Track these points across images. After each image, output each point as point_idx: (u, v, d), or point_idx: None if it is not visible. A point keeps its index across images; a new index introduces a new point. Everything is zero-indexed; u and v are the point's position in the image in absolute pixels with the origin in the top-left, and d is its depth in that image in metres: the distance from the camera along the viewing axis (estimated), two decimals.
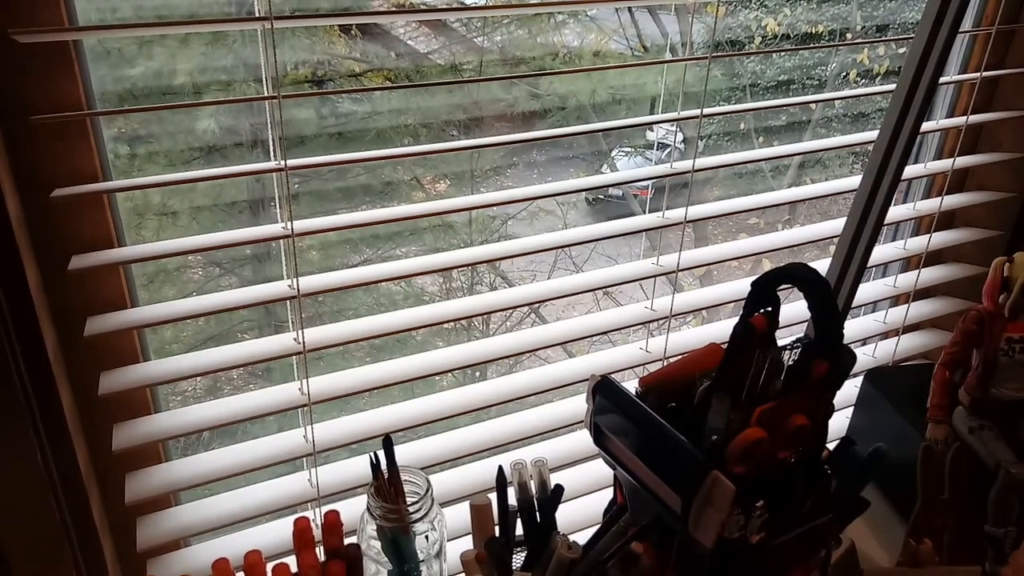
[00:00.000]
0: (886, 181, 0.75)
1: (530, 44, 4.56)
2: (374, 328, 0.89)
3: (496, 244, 0.96)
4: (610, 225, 0.97)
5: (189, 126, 2.92)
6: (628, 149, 5.42)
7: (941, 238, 1.23)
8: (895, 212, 1.20)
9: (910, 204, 1.22)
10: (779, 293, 0.68)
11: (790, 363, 0.67)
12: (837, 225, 1.15)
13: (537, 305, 1.00)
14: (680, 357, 0.74)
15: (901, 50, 5.31)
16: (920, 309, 1.28)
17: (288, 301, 0.83)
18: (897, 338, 1.25)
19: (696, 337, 1.05)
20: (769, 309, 0.67)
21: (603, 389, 0.71)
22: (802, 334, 0.82)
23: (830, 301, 0.63)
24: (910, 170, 1.20)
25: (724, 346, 0.73)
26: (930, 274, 1.26)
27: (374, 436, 0.89)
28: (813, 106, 5.28)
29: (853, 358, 0.67)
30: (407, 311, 0.93)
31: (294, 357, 0.85)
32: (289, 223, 0.77)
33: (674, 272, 0.98)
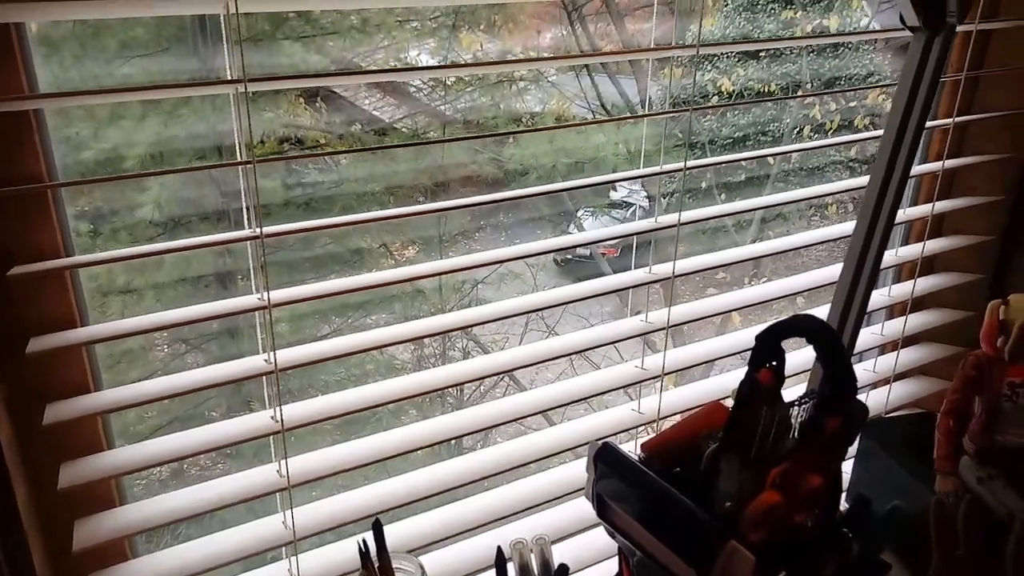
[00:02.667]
0: (880, 225, 0.73)
1: (493, 111, 4.63)
2: (355, 402, 0.84)
3: (481, 308, 0.93)
4: (596, 283, 0.94)
5: (152, 197, 2.87)
6: (592, 209, 5.48)
7: (926, 283, 1.22)
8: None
9: (891, 251, 1.22)
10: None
11: (801, 419, 0.64)
12: (829, 273, 1.14)
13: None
14: (681, 418, 0.71)
15: (852, 103, 5.51)
16: (907, 357, 1.27)
17: (264, 376, 0.78)
18: (888, 387, 1.23)
19: (691, 395, 1.01)
20: (774, 363, 0.65)
21: (605, 456, 0.67)
22: (804, 387, 0.79)
23: (841, 352, 0.61)
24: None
25: (726, 403, 0.70)
26: (915, 320, 1.25)
27: (362, 518, 0.83)
28: (771, 160, 5.41)
29: (865, 410, 0.64)
30: (389, 383, 0.88)
31: (271, 436, 0.80)
32: (265, 293, 0.73)
33: (664, 329, 0.95)
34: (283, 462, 0.81)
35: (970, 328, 1.28)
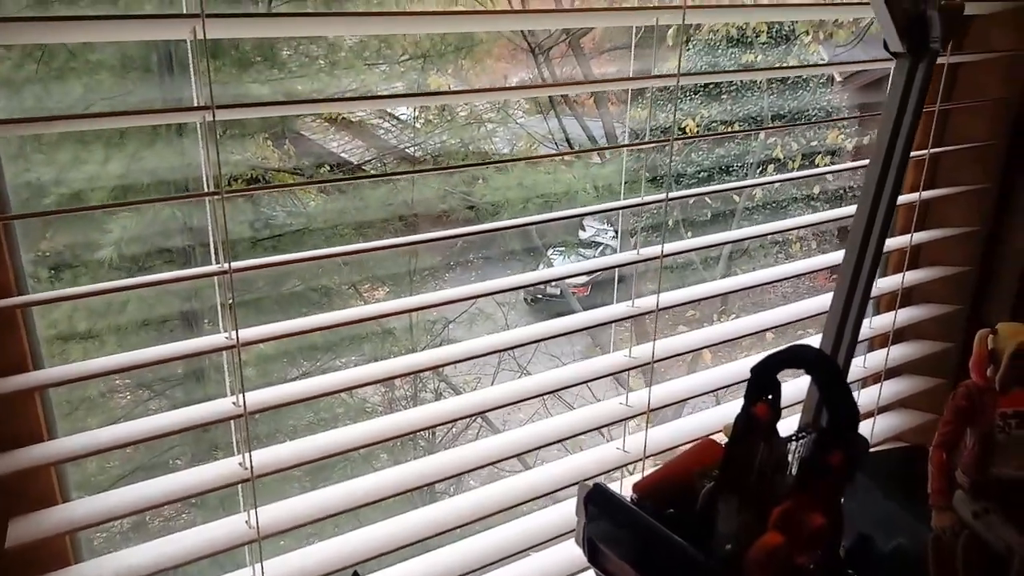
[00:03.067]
0: (870, 252, 0.72)
1: (462, 152, 4.64)
2: (327, 446, 0.80)
3: (455, 346, 0.89)
4: (579, 317, 0.91)
5: (114, 239, 2.81)
6: (562, 248, 5.50)
7: (905, 315, 1.21)
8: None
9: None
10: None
11: (799, 455, 0.61)
12: (819, 303, 1.13)
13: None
14: (673, 457, 0.68)
15: (812, 143, 5.63)
16: (889, 389, 1.26)
17: (232, 421, 0.74)
18: (873, 420, 1.21)
19: (678, 433, 0.98)
20: (770, 397, 0.62)
21: (596, 498, 0.63)
22: (798, 421, 0.77)
23: (841, 382, 0.58)
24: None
25: (717, 438, 0.67)
26: (895, 352, 1.24)
27: (335, 571, 0.78)
28: (736, 198, 5.48)
29: (866, 444, 0.62)
30: (361, 426, 0.84)
31: (240, 485, 0.75)
32: (234, 332, 0.69)
33: (649, 364, 0.92)
34: (252, 512, 0.76)
35: (950, 359, 1.28)
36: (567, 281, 5.61)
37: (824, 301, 1.15)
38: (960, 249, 1.24)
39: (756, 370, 0.61)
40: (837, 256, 1.13)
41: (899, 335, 1.28)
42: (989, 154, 1.20)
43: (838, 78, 5.85)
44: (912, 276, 1.20)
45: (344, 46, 4.05)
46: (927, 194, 1.16)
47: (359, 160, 4.28)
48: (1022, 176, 1.20)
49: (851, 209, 1.18)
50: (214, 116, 0.61)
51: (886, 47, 0.70)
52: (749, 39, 5.16)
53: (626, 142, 5.55)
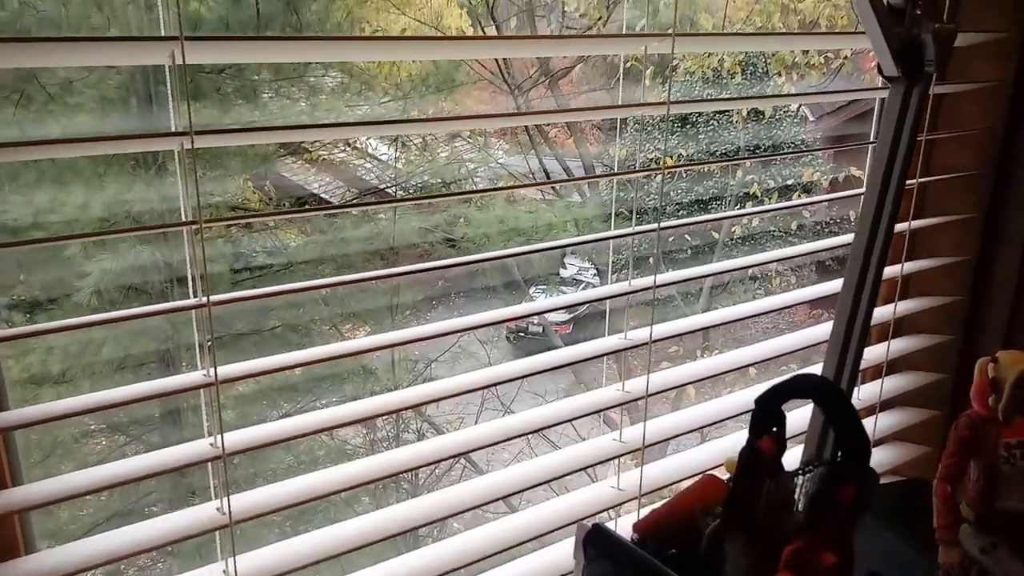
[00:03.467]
0: (869, 280, 0.70)
1: (444, 192, 4.63)
2: (308, 489, 0.76)
3: (442, 382, 0.86)
4: (571, 351, 0.89)
5: (92, 283, 2.76)
6: (544, 286, 5.49)
7: (899, 345, 1.20)
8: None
9: None
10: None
11: (807, 489, 0.59)
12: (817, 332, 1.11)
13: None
14: (675, 495, 0.65)
15: (789, 180, 5.72)
16: (882, 422, 1.23)
17: (210, 463, 0.70)
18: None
19: (674, 469, 0.95)
20: (775, 429, 0.60)
21: (596, 539, 0.60)
22: (801, 455, 0.74)
23: (851, 412, 0.56)
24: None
25: (719, 473, 0.64)
26: (888, 384, 1.22)
27: None
28: (716, 234, 5.53)
29: (877, 477, 0.59)
30: (343, 467, 0.81)
31: (218, 531, 0.71)
32: (212, 369, 0.65)
33: (643, 398, 0.89)
34: (231, 560, 0.72)
35: (944, 390, 1.26)
36: (549, 319, 5.61)
37: (822, 331, 1.13)
38: (950, 279, 1.23)
39: (761, 402, 0.58)
40: (832, 285, 1.12)
41: (891, 367, 1.26)
42: (975, 183, 1.20)
43: (811, 117, 5.97)
44: (903, 306, 1.19)
45: (325, 88, 4.06)
46: (916, 223, 1.15)
47: (340, 200, 4.27)
48: (1009, 204, 1.20)
49: (844, 239, 1.18)
50: (192, 143, 0.58)
51: (880, 71, 0.69)
52: (724, 80, 5.26)
53: (599, 184, 5.61)
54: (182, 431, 2.96)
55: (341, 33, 3.47)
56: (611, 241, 0.94)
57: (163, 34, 0.57)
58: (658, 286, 0.87)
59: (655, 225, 0.86)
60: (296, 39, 1.07)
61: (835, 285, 1.12)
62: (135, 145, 0.86)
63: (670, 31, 0.80)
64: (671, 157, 5.27)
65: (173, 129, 0.60)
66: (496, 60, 5.06)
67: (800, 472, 0.60)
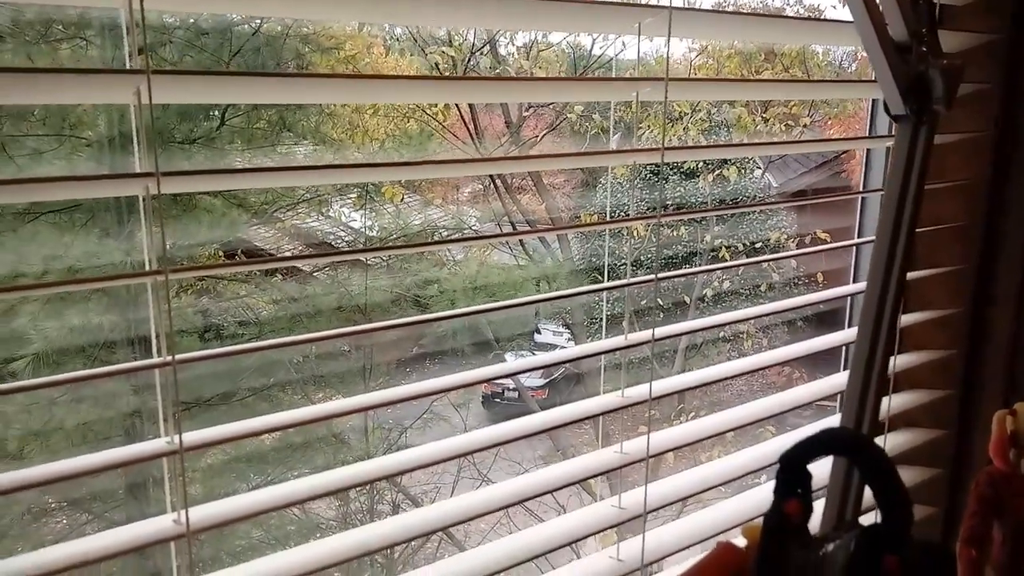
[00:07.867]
0: (884, 328, 0.66)
1: (416, 258, 4.62)
2: (279, 570, 0.69)
3: (417, 449, 0.79)
4: (564, 410, 0.83)
5: (36, 349, 2.67)
6: (520, 351, 5.45)
7: (897, 401, 1.16)
8: (840, 379, 1.13)
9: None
10: None
11: (840, 559, 0.53)
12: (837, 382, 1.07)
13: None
14: (689, 567, 0.59)
15: (758, 244, 5.81)
16: None
17: (173, 543, 0.63)
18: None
19: (679, 536, 0.88)
20: (799, 491, 0.54)
21: None
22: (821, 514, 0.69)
23: (891, 470, 0.51)
24: (848, 333, 1.15)
25: (736, 541, 0.59)
26: (889, 443, 1.18)
27: None
28: (687, 299, 5.58)
29: (944, 550, 0.54)
30: (315, 545, 0.74)
31: None
32: (176, 436, 0.59)
33: (644, 460, 0.84)
34: None
35: (946, 447, 1.22)
36: (524, 383, 5.53)
37: (836, 382, 1.10)
38: (945, 332, 1.21)
39: (786, 459, 0.53)
40: (844, 335, 1.09)
41: (890, 424, 1.23)
42: (966, 234, 1.18)
43: (774, 184, 6.14)
44: (902, 360, 1.15)
45: (297, 157, 4.06)
46: (912, 275, 1.13)
47: (312, 268, 4.23)
48: (1000, 256, 1.18)
49: (846, 289, 1.15)
50: (159, 185, 0.53)
51: (887, 110, 0.67)
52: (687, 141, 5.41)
53: (571, 249, 5.64)
54: (147, 507, 2.83)
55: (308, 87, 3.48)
56: (597, 295, 0.90)
57: (128, 67, 0.53)
58: (657, 339, 0.82)
59: (652, 276, 0.82)
60: (268, 75, 1.04)
61: (832, 339, 1.09)
62: (99, 188, 0.80)
63: (662, 77, 0.78)
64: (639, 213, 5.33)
65: (137, 170, 0.55)
66: (468, 129, 5.12)
67: (830, 539, 0.54)
